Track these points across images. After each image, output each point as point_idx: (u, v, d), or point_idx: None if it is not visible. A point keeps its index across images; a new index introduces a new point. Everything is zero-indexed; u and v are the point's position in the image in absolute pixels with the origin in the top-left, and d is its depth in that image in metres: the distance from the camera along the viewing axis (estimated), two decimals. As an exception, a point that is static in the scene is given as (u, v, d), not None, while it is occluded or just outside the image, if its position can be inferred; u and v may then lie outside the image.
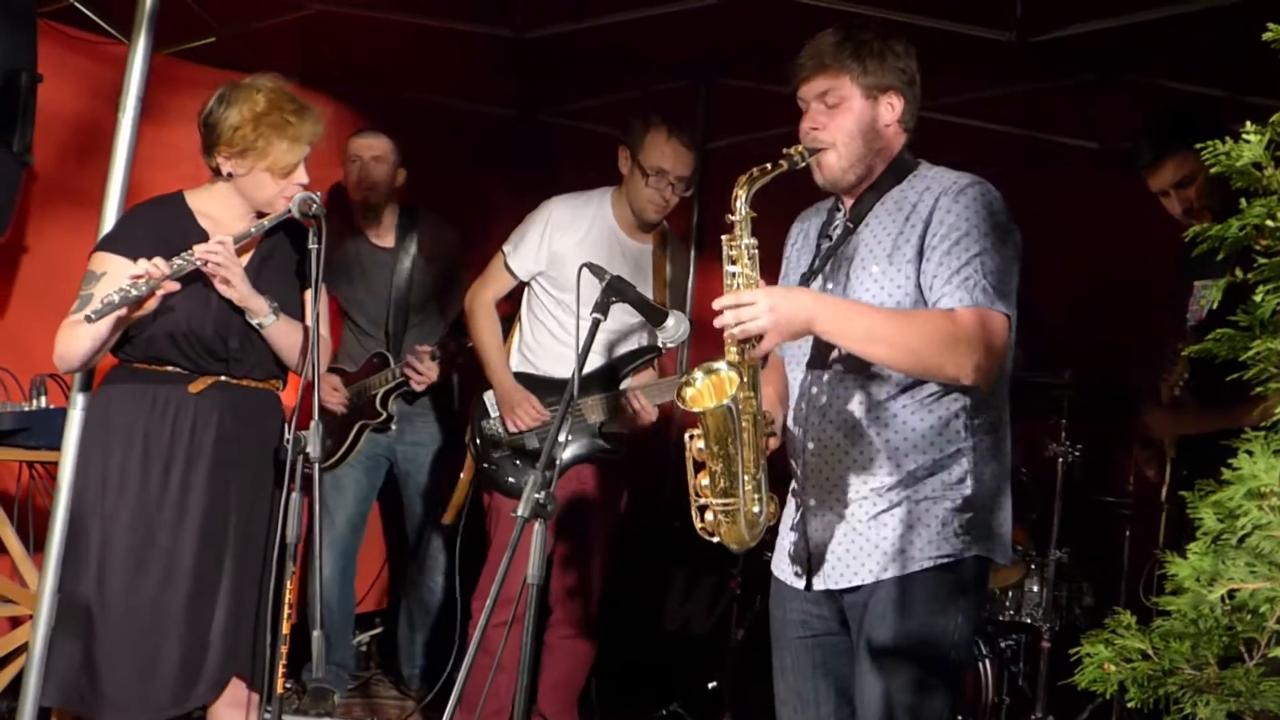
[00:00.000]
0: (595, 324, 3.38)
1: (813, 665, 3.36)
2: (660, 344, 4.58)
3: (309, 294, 4.01)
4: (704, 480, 3.13)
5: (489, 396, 5.10)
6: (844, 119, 3.24)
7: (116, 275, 3.81)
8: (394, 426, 5.91)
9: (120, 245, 3.93)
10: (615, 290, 3.47)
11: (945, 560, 3.15)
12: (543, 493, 3.05)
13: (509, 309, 5.28)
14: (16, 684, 4.29)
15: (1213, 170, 2.13)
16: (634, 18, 5.46)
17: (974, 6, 4.79)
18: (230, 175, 3.96)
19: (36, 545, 4.68)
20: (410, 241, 5.98)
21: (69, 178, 5.33)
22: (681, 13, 5.31)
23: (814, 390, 3.29)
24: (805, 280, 3.34)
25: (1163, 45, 5.11)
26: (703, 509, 3.15)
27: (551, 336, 5.03)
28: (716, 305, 3.03)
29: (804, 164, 3.22)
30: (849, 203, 3.33)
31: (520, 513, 3.06)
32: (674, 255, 5.23)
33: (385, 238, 5.98)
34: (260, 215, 3.99)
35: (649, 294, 5.04)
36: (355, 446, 5.88)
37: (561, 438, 3.17)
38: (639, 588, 6.19)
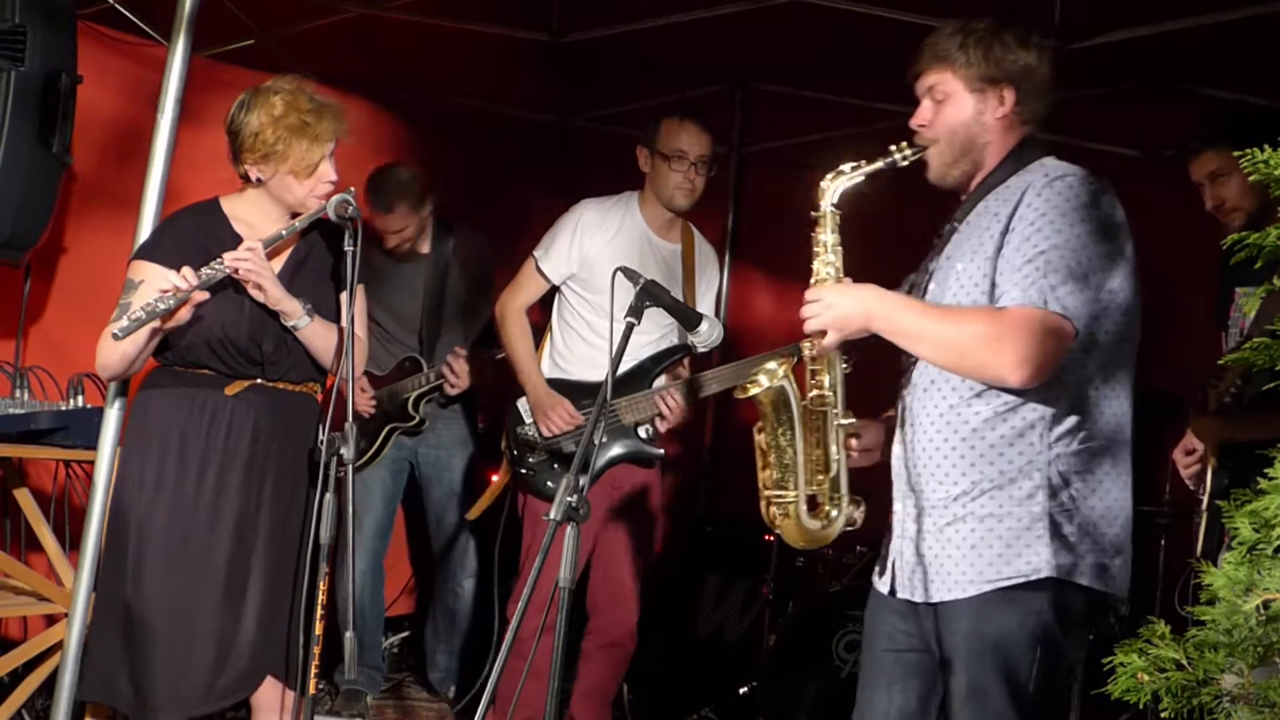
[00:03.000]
0: (629, 329, 3.38)
1: (892, 679, 3.26)
2: (692, 348, 4.58)
3: (345, 295, 4.03)
4: (767, 473, 3.16)
5: (523, 403, 5.10)
6: (948, 115, 3.18)
7: (154, 283, 3.83)
8: (424, 429, 5.95)
9: (157, 254, 3.95)
10: (649, 295, 3.46)
11: (1012, 582, 3.02)
12: (575, 496, 3.04)
13: (540, 318, 5.29)
14: (52, 681, 4.31)
15: (1250, 179, 2.11)
16: (670, 23, 5.46)
17: (1013, 13, 4.76)
18: (259, 181, 3.97)
19: (72, 544, 4.70)
20: (445, 249, 6.01)
21: (108, 179, 5.35)
22: (717, 18, 5.30)
23: (904, 392, 3.25)
24: (914, 282, 3.30)
25: (1204, 53, 5.07)
26: (767, 501, 3.18)
27: (583, 341, 5.03)
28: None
29: (906, 163, 3.17)
30: (962, 199, 3.26)
31: (552, 516, 3.05)
32: (704, 261, 5.23)
33: (421, 245, 5.99)
34: (295, 216, 4.00)
35: (679, 295, 5.05)
36: (384, 449, 5.92)
37: (596, 441, 3.17)
38: (672, 592, 6.19)
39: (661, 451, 5.10)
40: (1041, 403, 3.03)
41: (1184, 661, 2.15)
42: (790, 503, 3.13)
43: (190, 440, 3.93)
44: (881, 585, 3.30)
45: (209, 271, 3.79)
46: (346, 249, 3.85)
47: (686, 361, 5.16)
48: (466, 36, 5.72)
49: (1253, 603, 2.06)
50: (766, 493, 3.18)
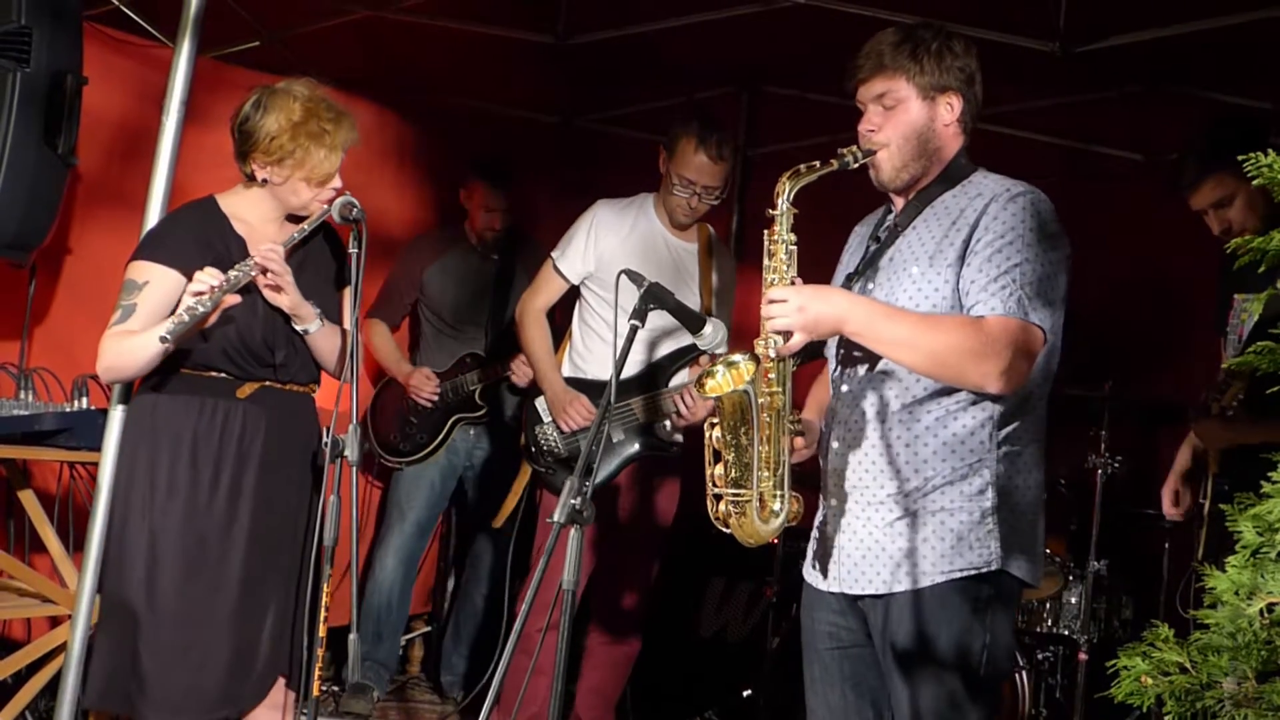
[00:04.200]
0: (633, 331, 3.38)
1: (842, 677, 3.33)
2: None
3: (345, 295, 4.02)
4: (719, 469, 3.17)
5: (540, 402, 5.12)
6: (900, 120, 3.23)
7: (159, 284, 3.80)
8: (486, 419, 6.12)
9: (162, 254, 3.87)
10: (654, 297, 3.47)
11: (964, 574, 3.12)
12: (579, 499, 3.04)
13: (561, 321, 5.32)
14: (55, 683, 4.31)
15: (1255, 183, 2.11)
16: (677, 25, 5.46)
17: (1017, 17, 4.77)
18: (265, 182, 3.92)
19: (76, 545, 4.70)
20: (514, 255, 6.18)
21: (113, 180, 5.36)
22: (724, 20, 5.31)
23: (844, 389, 3.30)
24: (848, 281, 3.34)
25: (1209, 56, 5.07)
26: (717, 498, 3.20)
27: (601, 341, 5.04)
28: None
29: (856, 165, 3.22)
30: (899, 204, 3.33)
31: (556, 518, 3.06)
32: (719, 261, 5.24)
33: (497, 241, 6.19)
34: (293, 219, 3.98)
35: (694, 293, 5.08)
36: (448, 440, 6.06)
37: (601, 443, 3.18)
38: (675, 594, 6.19)
39: (677, 450, 5.11)
40: (990, 404, 3.14)
41: (1188, 665, 2.16)
42: (747, 501, 3.15)
43: (202, 444, 3.89)
44: (817, 581, 3.35)
45: (236, 273, 3.75)
46: (351, 250, 3.84)
47: (703, 360, 5.17)
48: (472, 38, 5.73)
49: (1256, 606, 2.06)
50: (718, 489, 3.20)
